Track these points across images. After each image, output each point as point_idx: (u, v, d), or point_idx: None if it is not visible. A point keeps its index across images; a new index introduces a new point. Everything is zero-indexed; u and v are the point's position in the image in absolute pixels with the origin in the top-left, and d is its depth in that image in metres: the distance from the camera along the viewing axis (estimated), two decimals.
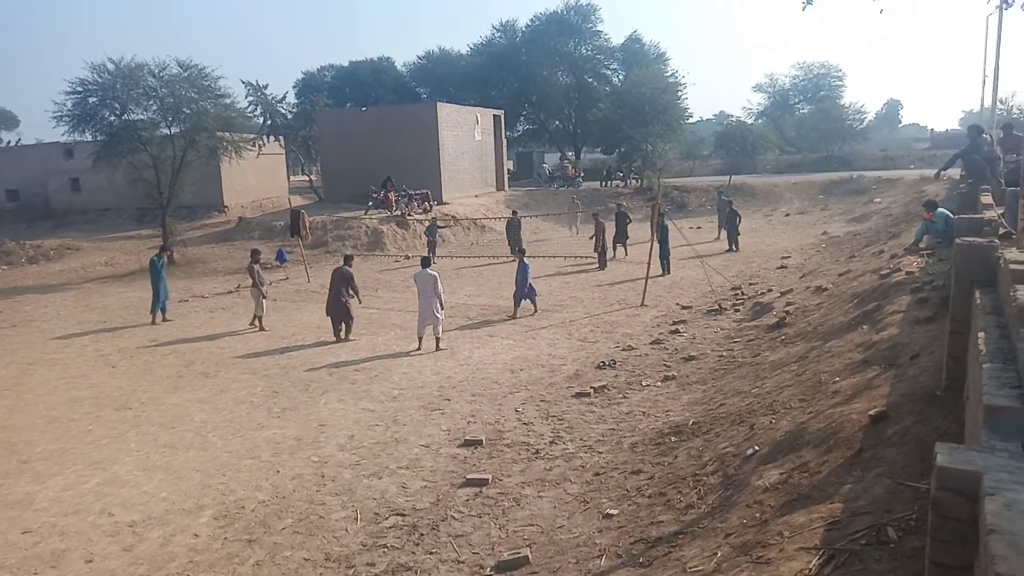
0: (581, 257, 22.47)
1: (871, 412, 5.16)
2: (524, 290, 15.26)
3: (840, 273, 14.21)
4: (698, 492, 5.87)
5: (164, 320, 16.47)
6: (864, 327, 8.42)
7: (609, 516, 6.12)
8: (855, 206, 30.80)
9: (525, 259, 15.64)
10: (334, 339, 13.87)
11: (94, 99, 25.18)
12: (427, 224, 25.55)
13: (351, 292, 14.08)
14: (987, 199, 11.75)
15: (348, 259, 14.99)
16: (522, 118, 54.72)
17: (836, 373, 7.09)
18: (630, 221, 24.86)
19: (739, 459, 6.08)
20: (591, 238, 22.08)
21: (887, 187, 32.58)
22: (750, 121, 55.92)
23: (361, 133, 34.25)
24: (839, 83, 61.51)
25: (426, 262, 13.65)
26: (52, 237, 31.76)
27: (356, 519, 6.76)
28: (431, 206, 30.89)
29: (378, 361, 12.36)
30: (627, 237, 23.74)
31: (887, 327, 7.74)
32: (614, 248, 22.99)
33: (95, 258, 28.16)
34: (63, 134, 27.17)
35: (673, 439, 7.56)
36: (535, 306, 15.51)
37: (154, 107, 25.90)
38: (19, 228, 34.43)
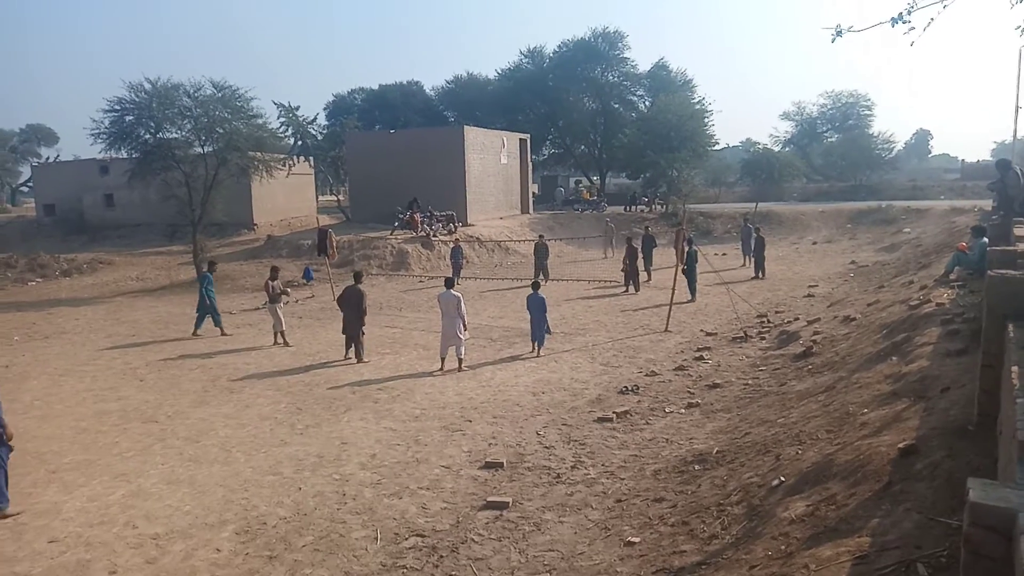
0: (606, 281, 22.45)
1: (900, 445, 5.08)
2: (541, 327, 14.00)
3: (868, 303, 14.04)
4: (722, 522, 5.79)
5: (195, 335, 16.72)
6: (893, 358, 8.30)
7: (631, 544, 6.06)
8: (884, 236, 30.45)
9: (540, 292, 14.30)
10: (343, 358, 13.89)
11: (130, 117, 25.83)
12: (452, 246, 25.75)
13: (363, 312, 13.87)
14: (1021, 231, 11.55)
15: (358, 276, 14.60)
16: (548, 142, 55.09)
17: (864, 404, 6.99)
18: (656, 245, 24.85)
19: (764, 490, 5.99)
20: (624, 261, 21.87)
21: (916, 217, 32.20)
22: (777, 149, 55.67)
23: (389, 155, 34.70)
24: (868, 112, 61.08)
25: (450, 283, 13.69)
26: (86, 251, 32.51)
27: (376, 539, 6.75)
28: (456, 227, 31.15)
29: (401, 381, 12.41)
30: (652, 262, 23.79)
31: (917, 359, 7.63)
32: (647, 272, 23.02)
33: (127, 272, 28.75)
34: (100, 151, 27.91)
35: (697, 467, 7.48)
36: (539, 348, 14.01)
37: (188, 126, 26.51)
38: (55, 242, 35.30)
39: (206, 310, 16.82)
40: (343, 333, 14.05)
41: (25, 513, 7.47)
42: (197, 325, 16.87)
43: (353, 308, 13.81)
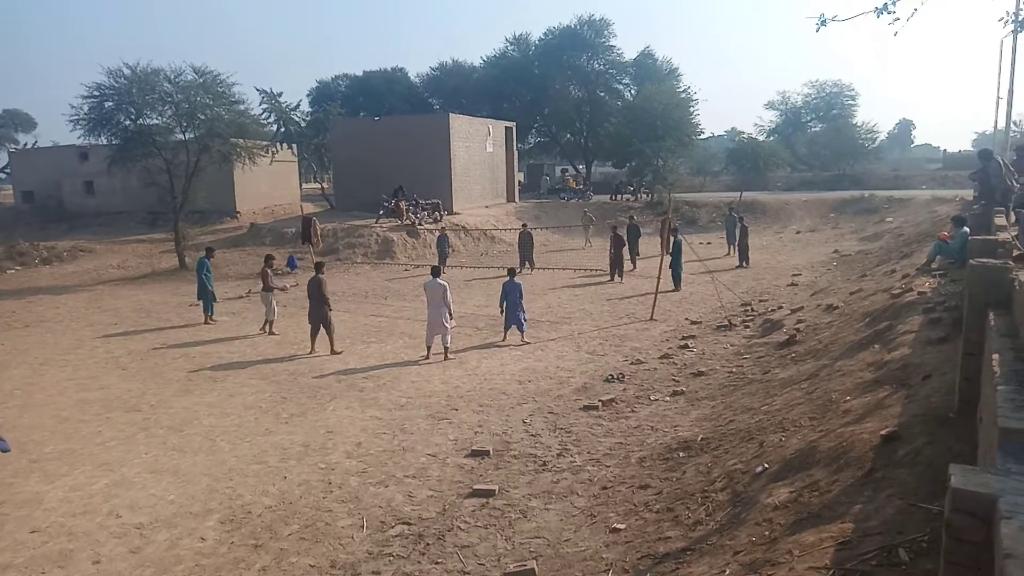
0: (591, 270, 22.48)
1: (882, 432, 5.14)
2: (517, 313, 13.96)
3: (851, 292, 14.16)
4: (706, 508, 5.85)
5: (210, 321, 16.74)
6: (875, 346, 8.38)
7: (616, 531, 6.10)
8: (867, 225, 30.70)
9: (516, 279, 14.27)
10: (308, 352, 13.52)
11: (110, 104, 25.49)
12: (437, 234, 25.67)
13: (326, 299, 13.64)
14: (1001, 220, 11.70)
15: (319, 267, 14.43)
16: (534, 130, 54.90)
17: (847, 392, 7.06)
18: (641, 235, 24.92)
19: (748, 476, 6.05)
20: (610, 250, 21.81)
21: (899, 207, 32.48)
22: (762, 138, 55.86)
23: (373, 142, 34.44)
24: (851, 102, 61.39)
25: (436, 271, 13.65)
26: (66, 239, 32.05)
27: (362, 527, 6.75)
28: (442, 216, 31.05)
29: (386, 369, 12.38)
30: (638, 251, 23.85)
31: (899, 347, 7.71)
32: (632, 261, 23.08)
33: (107, 260, 28.40)
34: (79, 138, 27.55)
35: (681, 454, 7.54)
36: (522, 335, 14.10)
37: (169, 112, 26.21)
38: (33, 229, 34.76)
39: (207, 296, 16.81)
40: (309, 322, 13.80)
41: (6, 503, 7.41)
42: (207, 311, 16.84)
43: (313, 297, 13.70)
